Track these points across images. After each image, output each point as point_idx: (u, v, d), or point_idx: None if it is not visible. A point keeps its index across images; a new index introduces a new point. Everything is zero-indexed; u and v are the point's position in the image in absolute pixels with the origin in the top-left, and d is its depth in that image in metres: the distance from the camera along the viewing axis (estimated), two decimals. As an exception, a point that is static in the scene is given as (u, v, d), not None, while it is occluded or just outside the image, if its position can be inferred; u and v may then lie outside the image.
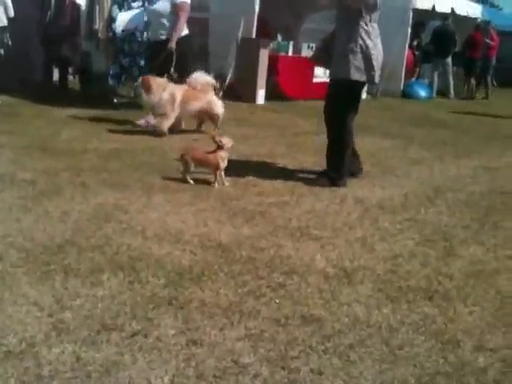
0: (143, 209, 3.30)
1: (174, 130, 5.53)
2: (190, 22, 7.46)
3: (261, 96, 8.63)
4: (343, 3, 3.92)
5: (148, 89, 5.32)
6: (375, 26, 3.94)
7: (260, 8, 8.74)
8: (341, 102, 4.00)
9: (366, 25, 3.86)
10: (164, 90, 5.32)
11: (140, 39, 6.85)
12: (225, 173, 3.89)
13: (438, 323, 2.22)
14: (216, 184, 3.82)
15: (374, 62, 3.90)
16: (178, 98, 5.35)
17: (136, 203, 3.37)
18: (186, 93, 5.42)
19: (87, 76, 7.83)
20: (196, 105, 5.52)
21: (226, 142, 3.87)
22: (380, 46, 4.00)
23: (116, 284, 2.34)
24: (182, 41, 5.82)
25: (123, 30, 6.72)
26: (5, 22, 6.02)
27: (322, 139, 4.38)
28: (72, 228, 2.91)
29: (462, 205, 3.85)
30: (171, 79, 5.59)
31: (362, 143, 5.73)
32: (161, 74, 5.53)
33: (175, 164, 4.19)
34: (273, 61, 8.69)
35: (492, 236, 3.26)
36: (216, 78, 8.80)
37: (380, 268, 2.70)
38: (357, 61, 3.85)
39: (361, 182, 4.19)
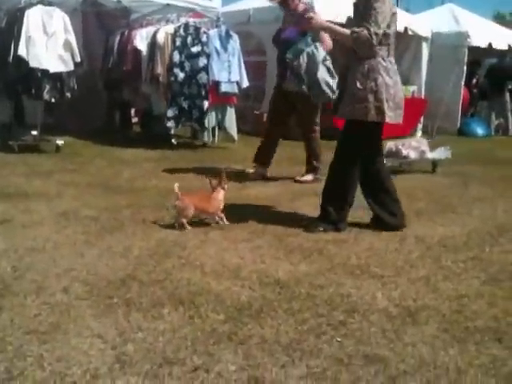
0: (201, 245, 3.33)
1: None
2: (248, 66, 7.69)
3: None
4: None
5: None
6: (393, 60, 3.63)
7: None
8: (356, 144, 3.68)
9: (384, 60, 3.54)
10: None
11: (200, 82, 7.08)
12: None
13: (509, 366, 2.10)
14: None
15: (391, 103, 3.56)
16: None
17: (194, 239, 3.42)
18: None
19: (148, 118, 8.12)
20: None
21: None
22: (399, 83, 3.67)
23: (176, 318, 2.35)
24: None
25: None
26: (71, 67, 6.35)
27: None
28: (133, 263, 2.97)
29: (529, 244, 3.68)
30: None
31: (419, 181, 5.67)
32: None
33: (231, 200, 4.25)
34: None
35: None
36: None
37: (445, 308, 2.60)
38: (376, 101, 3.51)
39: (421, 219, 4.10)
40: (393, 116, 3.59)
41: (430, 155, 6.26)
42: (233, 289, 2.69)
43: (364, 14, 3.45)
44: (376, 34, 3.40)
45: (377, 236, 3.67)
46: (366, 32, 3.39)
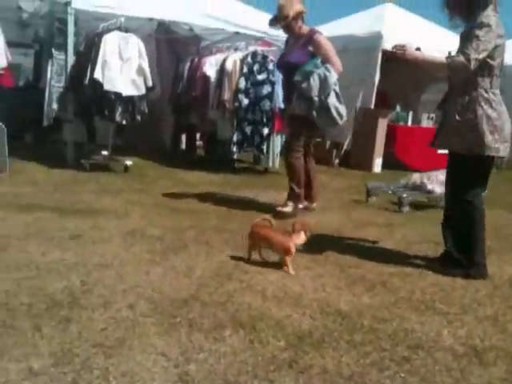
0: (262, 270, 3.34)
1: None
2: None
3: (377, 165, 8.61)
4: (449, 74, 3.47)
5: None
6: (497, 92, 3.45)
7: (379, 79, 8.86)
8: (461, 176, 3.53)
9: (486, 92, 3.39)
10: None
11: (263, 109, 7.20)
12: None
13: None
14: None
15: (497, 135, 3.38)
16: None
17: (255, 264, 3.43)
18: None
19: (212, 142, 8.31)
20: None
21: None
22: (506, 114, 3.46)
23: (237, 341, 2.36)
24: None
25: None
26: (143, 91, 6.60)
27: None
28: (196, 283, 3.02)
29: None
30: None
31: (486, 217, 5.47)
32: None
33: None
34: (391, 131, 8.69)
35: None
36: (332, 146, 9.04)
37: (514, 350, 2.49)
38: (475, 133, 3.36)
39: (489, 257, 3.92)
40: (501, 149, 3.42)
41: None
42: (293, 316, 2.68)
43: (466, 41, 3.34)
44: (475, 60, 3.27)
45: (443, 272, 3.56)
46: (461, 57, 3.28)
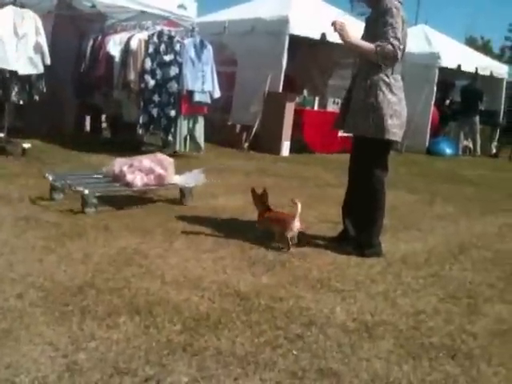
0: (163, 254, 3.30)
1: None
2: (218, 76, 7.69)
3: (285, 148, 8.75)
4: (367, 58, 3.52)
5: None
6: (398, 77, 3.55)
7: (287, 64, 8.97)
8: (364, 159, 3.64)
9: (387, 76, 3.48)
10: None
11: (170, 91, 7.06)
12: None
13: (460, 383, 2.13)
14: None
15: (396, 120, 3.51)
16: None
17: (157, 248, 3.38)
18: None
19: (117, 124, 8.05)
20: None
21: None
22: (404, 101, 3.59)
23: (132, 328, 2.31)
24: None
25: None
26: (41, 70, 6.25)
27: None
28: (92, 270, 2.92)
29: (488, 262, 3.76)
30: None
31: (386, 197, 5.73)
32: None
33: (197, 211, 4.23)
34: (298, 115, 8.85)
35: (519, 295, 3.16)
36: (242, 129, 9.07)
37: (402, 323, 2.63)
38: (376, 117, 3.46)
39: (384, 235, 4.12)
40: (398, 134, 3.54)
41: (174, 180, 4.60)
42: (192, 299, 2.66)
43: (379, 28, 3.42)
44: (399, 48, 3.39)
45: (340, 250, 3.69)
46: (390, 46, 3.37)
